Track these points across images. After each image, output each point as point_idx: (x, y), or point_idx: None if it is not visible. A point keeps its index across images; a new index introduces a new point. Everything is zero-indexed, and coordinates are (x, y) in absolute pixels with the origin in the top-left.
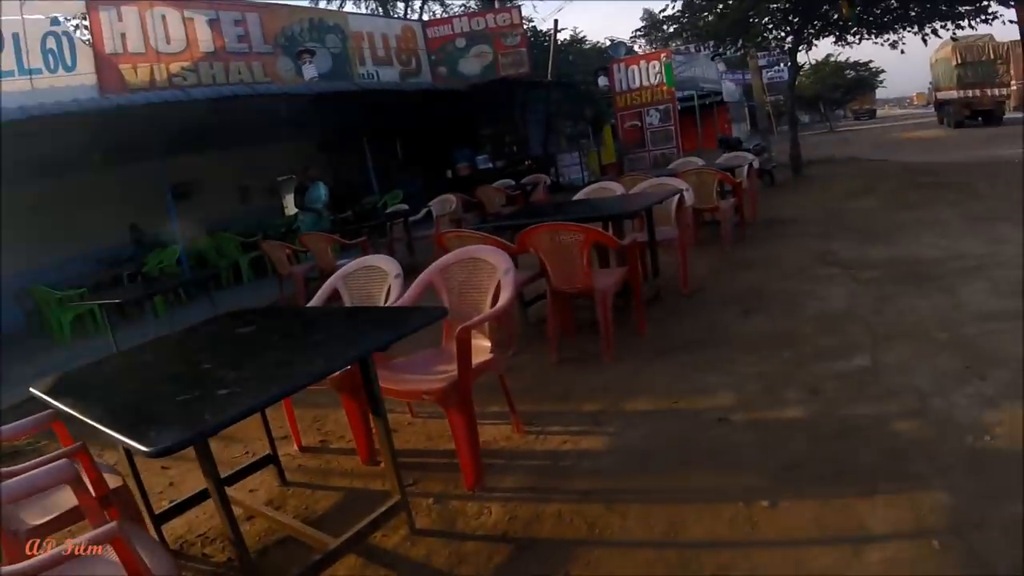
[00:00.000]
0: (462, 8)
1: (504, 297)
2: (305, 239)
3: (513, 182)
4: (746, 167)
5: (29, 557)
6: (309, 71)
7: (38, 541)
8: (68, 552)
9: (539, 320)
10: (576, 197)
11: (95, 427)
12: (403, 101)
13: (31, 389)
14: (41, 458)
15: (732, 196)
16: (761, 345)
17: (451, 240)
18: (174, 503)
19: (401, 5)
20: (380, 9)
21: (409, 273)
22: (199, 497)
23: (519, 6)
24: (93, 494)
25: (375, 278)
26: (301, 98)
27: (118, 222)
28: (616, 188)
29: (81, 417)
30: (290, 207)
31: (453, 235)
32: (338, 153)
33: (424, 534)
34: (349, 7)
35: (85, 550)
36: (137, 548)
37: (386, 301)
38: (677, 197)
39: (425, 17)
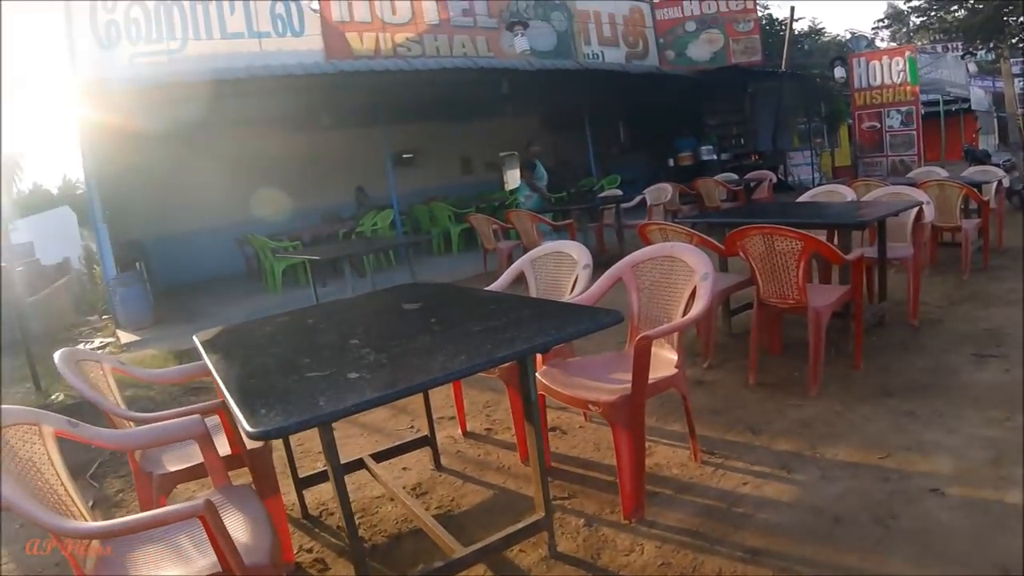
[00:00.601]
0: None
1: (698, 306)
2: (512, 216)
3: (736, 177)
4: (995, 184)
5: (159, 500)
6: (521, 43)
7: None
8: (153, 519)
9: (743, 332)
10: (801, 199)
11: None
12: (628, 84)
13: (194, 337)
14: (183, 408)
15: (977, 216)
16: (994, 402)
17: (653, 232)
18: (322, 470)
19: None
20: None
21: (610, 264)
22: (354, 465)
23: None
24: (222, 452)
25: (564, 265)
26: (524, 74)
27: (339, 182)
28: (846, 193)
29: (215, 375)
30: (511, 182)
31: (655, 227)
32: (560, 132)
33: (564, 559)
34: None
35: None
36: (240, 521)
37: (572, 291)
38: (915, 211)
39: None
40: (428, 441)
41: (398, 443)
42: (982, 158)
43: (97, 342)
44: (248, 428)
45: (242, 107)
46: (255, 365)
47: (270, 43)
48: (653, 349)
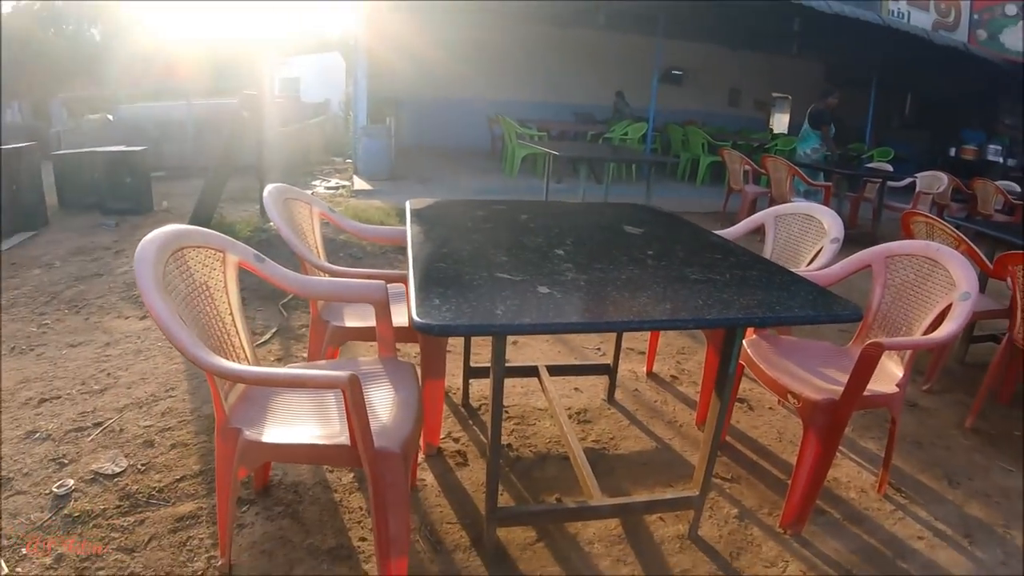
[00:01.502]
0: None
1: (948, 327)
2: (767, 162)
3: (1019, 189)
4: None
5: (328, 351)
6: None
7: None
8: (293, 379)
9: (976, 364)
10: None
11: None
12: (928, 54)
13: (407, 202)
14: (373, 271)
15: None
16: None
17: (918, 224)
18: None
19: None
20: None
21: (858, 242)
22: (527, 371)
23: None
24: (399, 322)
25: (810, 231)
26: (820, 16)
27: (601, 85)
28: None
29: (408, 248)
30: (778, 126)
31: (923, 220)
32: (842, 87)
33: (700, 546)
34: None
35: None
36: (389, 399)
37: (811, 262)
38: None
39: None
40: (608, 370)
41: (579, 363)
42: None
43: (333, 182)
44: (415, 316)
45: None
46: (451, 248)
47: None
48: (880, 360)
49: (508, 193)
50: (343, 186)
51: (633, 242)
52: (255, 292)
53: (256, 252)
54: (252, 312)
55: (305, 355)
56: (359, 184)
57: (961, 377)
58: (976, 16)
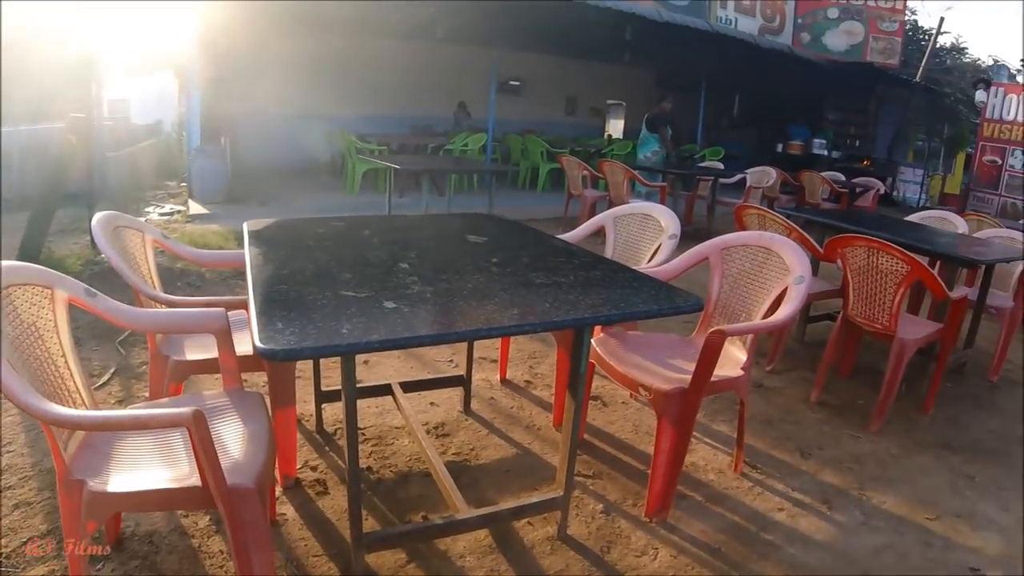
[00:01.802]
0: None
1: (785, 310)
2: (604, 166)
3: (843, 178)
4: None
5: (171, 387)
6: None
7: None
8: (134, 421)
9: (815, 342)
10: (910, 218)
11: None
12: (755, 57)
13: (244, 224)
14: (211, 298)
15: None
16: None
17: (750, 217)
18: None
19: None
20: None
21: (694, 237)
22: (381, 390)
23: None
24: (243, 350)
25: (648, 230)
26: (651, 24)
27: (440, 97)
28: (958, 224)
29: (247, 272)
30: (614, 132)
31: (755, 212)
32: (673, 92)
33: (571, 544)
34: None
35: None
36: (238, 433)
37: (651, 259)
38: None
39: None
40: (462, 381)
41: (432, 377)
42: None
43: (168, 207)
44: (258, 342)
45: (356, 5)
46: (292, 269)
47: None
48: (724, 345)
49: (350, 210)
50: (178, 211)
51: (477, 251)
52: (90, 330)
53: (87, 287)
54: (88, 352)
55: (147, 394)
56: (195, 208)
57: (802, 356)
58: (800, 20)
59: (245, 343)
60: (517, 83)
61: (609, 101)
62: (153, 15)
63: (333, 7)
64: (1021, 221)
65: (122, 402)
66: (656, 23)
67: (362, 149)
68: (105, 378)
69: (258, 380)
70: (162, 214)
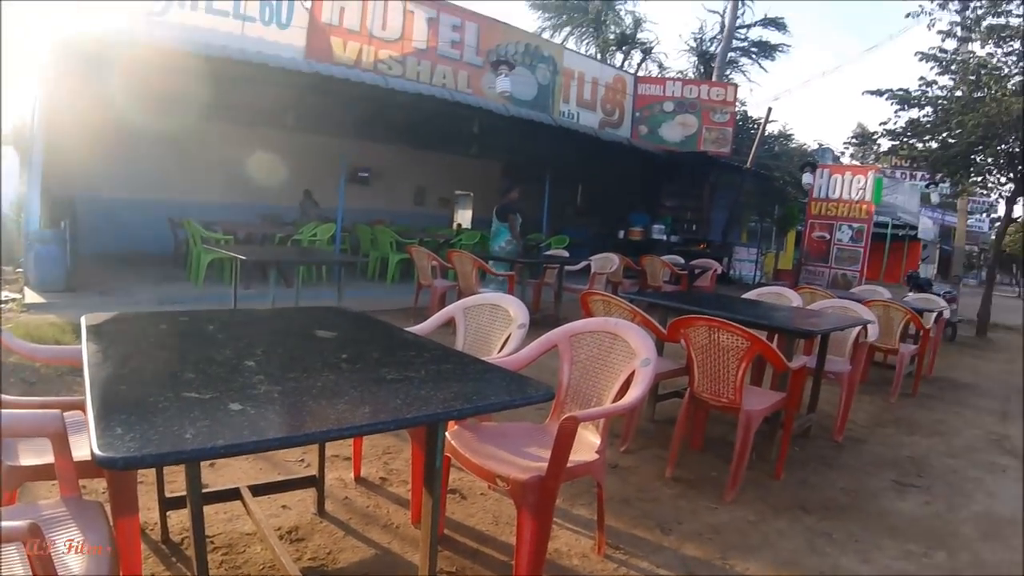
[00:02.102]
0: (679, 73)
1: (634, 393)
2: (453, 256)
3: (682, 261)
4: (935, 314)
5: (6, 495)
6: (503, 83)
7: None
8: None
9: (666, 420)
10: (747, 296)
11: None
12: (596, 149)
13: (82, 318)
14: (48, 399)
15: (914, 342)
16: (912, 534)
17: (596, 303)
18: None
19: (620, 56)
20: (598, 53)
21: (543, 324)
22: (229, 494)
23: (736, 85)
24: (82, 454)
25: (498, 320)
26: (498, 118)
27: (288, 185)
28: (792, 298)
29: (85, 371)
30: (462, 221)
31: (600, 298)
32: (519, 182)
33: None
34: (571, 43)
35: None
36: (77, 545)
37: (501, 349)
38: (859, 328)
39: (640, 73)
40: (315, 481)
41: (283, 478)
42: (924, 286)
43: (2, 295)
44: (96, 449)
45: (207, 88)
46: (133, 367)
47: (253, 29)
48: (577, 431)
49: (195, 302)
50: (13, 299)
51: (326, 347)
52: None
53: None
54: None
55: None
56: (31, 297)
57: (654, 433)
58: (638, 113)
59: (83, 447)
60: (367, 174)
61: (457, 191)
62: None
63: (182, 89)
64: (851, 290)
65: None
66: (502, 116)
67: (207, 238)
68: None
69: (98, 487)
70: None
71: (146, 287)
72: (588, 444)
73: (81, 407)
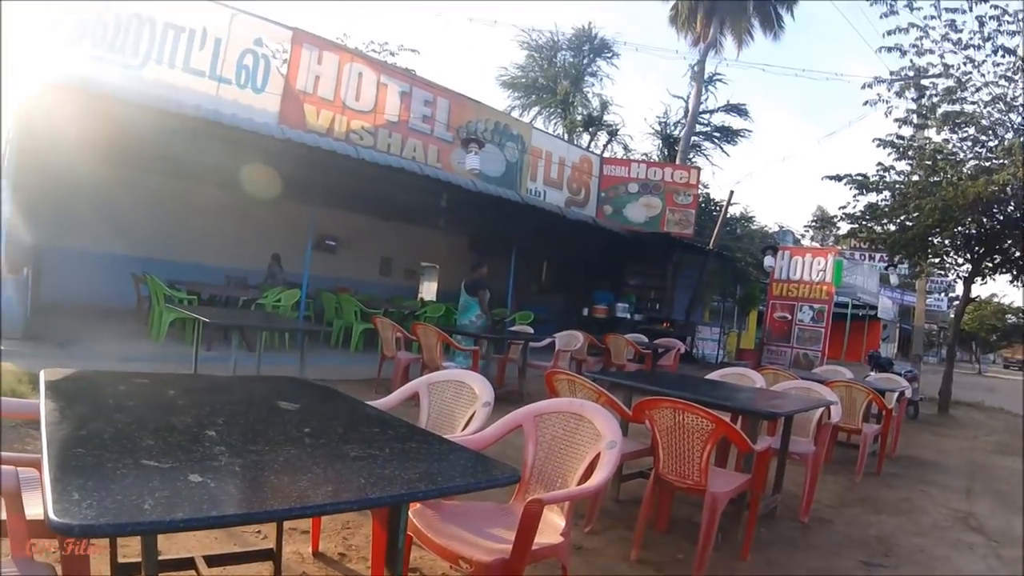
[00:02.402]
0: (644, 155)
1: (600, 475)
2: (418, 329)
3: (646, 339)
4: (897, 393)
5: None
6: (472, 161)
7: None
8: None
9: (630, 500)
10: (710, 376)
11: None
12: (562, 227)
13: (41, 373)
14: (3, 455)
15: (877, 421)
16: None
17: (561, 382)
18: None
19: (587, 137)
20: (565, 133)
21: (507, 400)
22: (183, 564)
23: (699, 168)
24: (35, 513)
25: (463, 397)
26: (466, 193)
27: (254, 248)
28: (756, 379)
29: (43, 430)
30: (427, 294)
31: (565, 377)
32: (485, 256)
33: None
34: (539, 123)
35: None
36: None
37: (465, 427)
38: (822, 409)
39: (606, 154)
40: (272, 555)
41: (239, 550)
42: (885, 365)
43: None
44: (51, 515)
45: (178, 145)
46: (91, 430)
47: (228, 91)
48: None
49: (155, 360)
50: None
51: (289, 419)
52: None
53: None
54: None
55: None
56: None
57: (619, 514)
58: (603, 193)
59: (36, 505)
60: (334, 243)
61: (423, 263)
62: None
63: (154, 145)
64: (814, 370)
65: None
66: (470, 191)
67: (171, 297)
68: None
69: (48, 545)
70: None
71: (106, 342)
72: (553, 526)
73: (36, 465)
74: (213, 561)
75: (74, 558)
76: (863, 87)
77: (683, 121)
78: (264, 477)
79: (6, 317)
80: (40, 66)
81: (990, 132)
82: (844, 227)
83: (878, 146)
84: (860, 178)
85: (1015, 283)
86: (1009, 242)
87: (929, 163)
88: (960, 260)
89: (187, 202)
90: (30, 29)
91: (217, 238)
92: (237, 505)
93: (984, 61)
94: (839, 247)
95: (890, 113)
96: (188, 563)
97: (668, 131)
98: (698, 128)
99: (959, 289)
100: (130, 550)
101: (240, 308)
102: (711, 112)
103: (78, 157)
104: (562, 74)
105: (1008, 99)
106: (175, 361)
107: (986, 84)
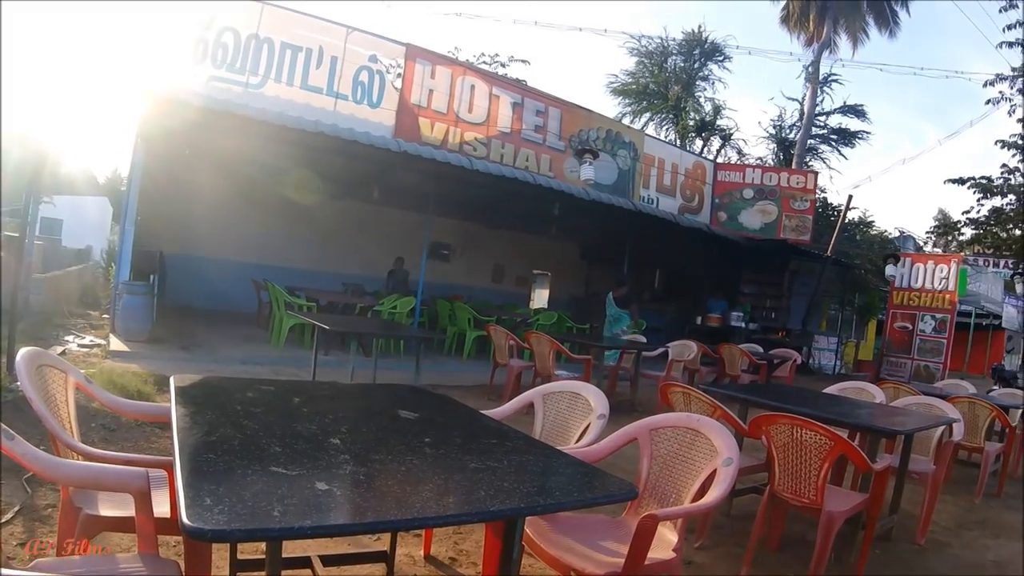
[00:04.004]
0: (758, 160)
1: (716, 492)
2: (531, 338)
3: (761, 350)
4: (1021, 410)
5: (81, 541)
6: (587, 171)
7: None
8: None
9: (742, 516)
10: (828, 390)
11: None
12: (675, 234)
13: (171, 379)
14: (132, 456)
15: (999, 439)
16: None
17: (676, 395)
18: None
19: (699, 142)
20: (677, 139)
21: (619, 410)
22: (300, 562)
23: (816, 172)
24: (161, 511)
25: (577, 408)
26: (579, 201)
27: (371, 257)
28: (876, 393)
29: (174, 435)
30: (539, 301)
31: (680, 390)
32: (596, 264)
33: None
34: (650, 129)
35: None
36: None
37: (580, 438)
38: (943, 427)
39: (719, 159)
40: (385, 557)
41: (354, 551)
42: (1010, 379)
43: (88, 339)
44: (185, 519)
45: (298, 158)
46: (221, 436)
47: (345, 106)
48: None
49: (275, 363)
50: (98, 345)
51: (409, 428)
52: None
53: (6, 428)
54: None
55: (53, 539)
56: (116, 344)
57: (729, 529)
58: (718, 200)
59: (162, 503)
60: (447, 251)
61: (535, 271)
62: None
63: (274, 158)
64: (935, 384)
65: (23, 544)
66: (582, 200)
67: (291, 303)
68: (8, 516)
69: (169, 539)
70: (81, 345)
71: (227, 345)
72: (665, 541)
73: (164, 467)
74: (329, 561)
75: (197, 555)
76: (984, 85)
77: (798, 124)
78: (387, 486)
79: (135, 320)
80: (163, 84)
81: None
82: (968, 232)
83: (1001, 147)
84: (984, 181)
85: None
86: None
87: None
88: None
89: (305, 212)
90: (154, 49)
91: (334, 247)
92: (362, 514)
93: None
94: (962, 253)
95: (1014, 112)
96: (305, 562)
97: (783, 135)
98: (814, 131)
99: None
100: (248, 547)
101: (357, 315)
102: (827, 114)
103: (201, 170)
104: (673, 79)
105: None
106: (293, 365)
107: None
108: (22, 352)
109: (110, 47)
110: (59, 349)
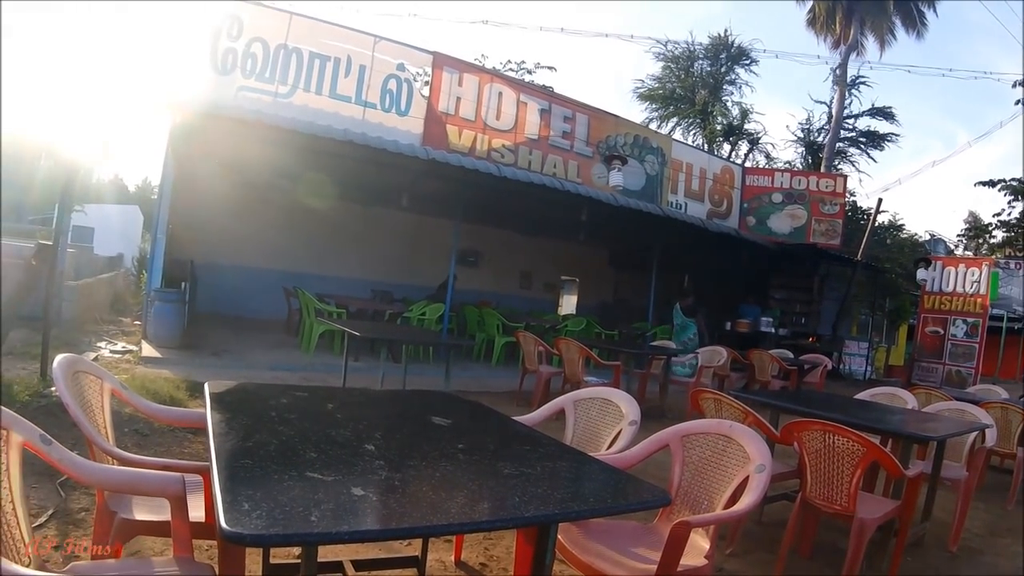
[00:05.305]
0: (786, 164)
1: (748, 499)
2: (560, 344)
3: (791, 355)
4: None
5: (115, 545)
6: (615, 177)
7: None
8: None
9: (773, 523)
10: (860, 396)
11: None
12: (704, 239)
13: (206, 385)
14: (168, 461)
15: None
16: None
17: (707, 401)
18: (297, 562)
19: (727, 147)
20: (705, 144)
21: (648, 416)
22: (332, 567)
23: (845, 176)
24: (196, 515)
25: (609, 415)
26: (607, 207)
27: (399, 263)
28: (908, 399)
29: (210, 440)
30: (567, 307)
31: (711, 396)
32: (625, 270)
33: None
34: (678, 134)
35: None
36: None
37: (611, 445)
38: (976, 433)
39: (747, 164)
40: (416, 562)
41: (385, 556)
42: None
43: (120, 345)
44: (223, 524)
45: (327, 166)
46: (256, 442)
47: (373, 115)
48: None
49: (305, 370)
50: (130, 351)
51: (442, 434)
52: (30, 465)
53: (42, 433)
54: (26, 489)
55: (87, 543)
56: (148, 350)
57: (760, 537)
58: (746, 204)
59: (197, 508)
60: (474, 258)
61: (563, 277)
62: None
63: (302, 166)
64: (967, 389)
65: (57, 548)
66: (611, 206)
67: (321, 310)
68: (42, 519)
69: (201, 543)
70: (114, 351)
71: (258, 351)
72: (697, 548)
73: (200, 472)
74: (360, 565)
75: (231, 558)
76: (1013, 85)
77: (827, 127)
78: (422, 492)
79: (167, 326)
80: (194, 95)
81: None
82: (999, 235)
83: None
84: (1015, 183)
85: None
86: None
87: None
88: None
89: (335, 220)
90: (182, 60)
91: (363, 254)
92: (399, 520)
93: None
94: (993, 256)
95: None
96: (337, 566)
97: (811, 138)
98: (843, 134)
99: None
100: (280, 551)
101: (386, 321)
102: (855, 117)
103: (230, 179)
104: (700, 84)
105: None
106: (323, 371)
107: None
108: (59, 359)
109: (141, 57)
110: (92, 355)
